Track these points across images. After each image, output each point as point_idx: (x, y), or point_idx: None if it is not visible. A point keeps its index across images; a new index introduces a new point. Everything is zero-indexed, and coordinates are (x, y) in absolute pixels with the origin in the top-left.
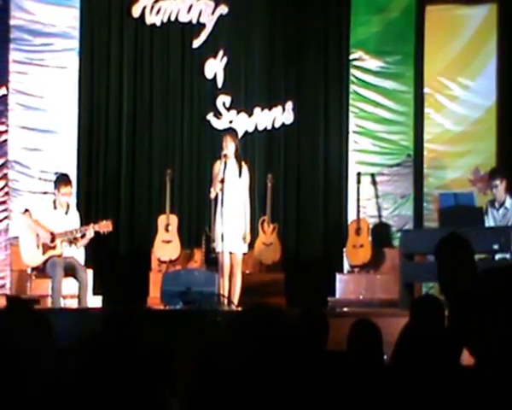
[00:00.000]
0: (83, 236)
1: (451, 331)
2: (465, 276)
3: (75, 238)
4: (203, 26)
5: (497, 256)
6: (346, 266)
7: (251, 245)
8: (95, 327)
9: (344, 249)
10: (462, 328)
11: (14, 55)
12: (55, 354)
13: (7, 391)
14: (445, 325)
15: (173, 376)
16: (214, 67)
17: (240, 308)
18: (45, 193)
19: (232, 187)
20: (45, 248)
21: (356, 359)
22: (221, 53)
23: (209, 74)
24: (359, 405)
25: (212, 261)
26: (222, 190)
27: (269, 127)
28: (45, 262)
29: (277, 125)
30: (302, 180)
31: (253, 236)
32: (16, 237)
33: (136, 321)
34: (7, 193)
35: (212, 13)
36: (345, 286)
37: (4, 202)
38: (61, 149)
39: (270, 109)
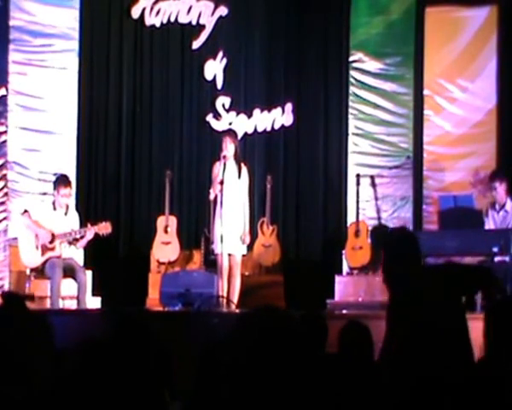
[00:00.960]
0: (82, 237)
1: (392, 323)
2: (410, 271)
3: (75, 239)
4: (203, 27)
5: (497, 259)
6: (345, 268)
7: (250, 247)
8: (96, 328)
9: (343, 251)
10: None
11: (13, 55)
12: (54, 355)
13: (5, 391)
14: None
15: (174, 377)
16: (214, 69)
17: (238, 310)
18: (44, 194)
19: (231, 189)
20: (44, 249)
21: (347, 360)
22: (221, 54)
23: (209, 76)
24: (357, 406)
25: (212, 263)
26: (221, 191)
27: (268, 129)
28: (44, 263)
29: (277, 126)
30: (301, 182)
31: (253, 237)
32: (15, 238)
33: (143, 323)
34: (6, 194)
35: (212, 14)
36: (344, 288)
37: (3, 203)
38: (60, 150)
39: (269, 111)
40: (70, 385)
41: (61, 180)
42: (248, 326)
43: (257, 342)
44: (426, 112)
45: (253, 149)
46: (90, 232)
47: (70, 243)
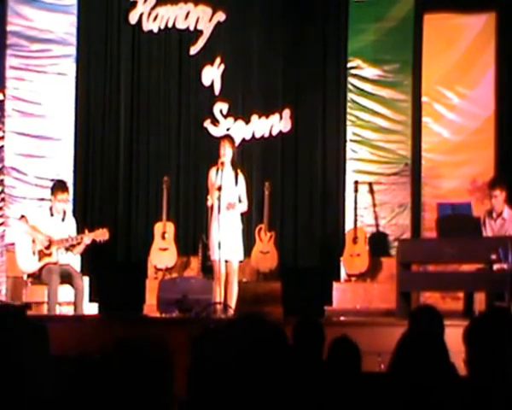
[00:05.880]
0: (79, 243)
1: None
2: None
3: (71, 245)
4: (200, 32)
5: (495, 266)
6: (342, 275)
7: (248, 253)
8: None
9: (341, 258)
10: None
11: (10, 61)
12: (50, 362)
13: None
14: (443, 335)
15: (171, 383)
16: (211, 74)
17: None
18: (42, 200)
19: (229, 194)
20: (41, 255)
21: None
22: (218, 60)
23: (206, 81)
24: None
25: (209, 269)
26: (219, 197)
27: (266, 135)
28: (41, 269)
29: (275, 132)
30: (299, 188)
31: (250, 244)
32: (12, 244)
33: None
34: (3, 199)
35: (210, 20)
36: (342, 295)
37: (0, 209)
38: (57, 155)
39: (267, 117)
40: (66, 391)
41: (59, 186)
42: (234, 335)
43: (243, 350)
44: (424, 119)
45: (250, 155)
46: (87, 238)
47: (67, 250)
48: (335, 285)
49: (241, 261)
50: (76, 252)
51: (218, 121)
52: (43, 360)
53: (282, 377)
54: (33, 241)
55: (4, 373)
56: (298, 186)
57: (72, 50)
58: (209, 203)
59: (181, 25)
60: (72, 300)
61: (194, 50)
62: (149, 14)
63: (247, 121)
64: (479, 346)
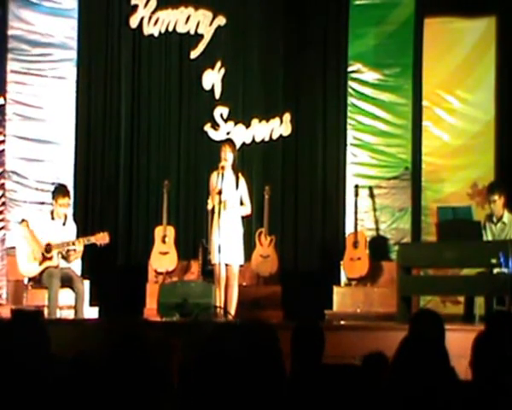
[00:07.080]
0: (74, 250)
1: None
2: None
3: (68, 252)
4: (201, 36)
5: (496, 271)
6: (343, 279)
7: (248, 257)
8: (94, 338)
9: (341, 262)
10: None
11: (11, 65)
12: (53, 363)
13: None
14: (443, 340)
15: (170, 383)
16: (212, 78)
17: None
18: (42, 203)
19: (229, 198)
20: (42, 258)
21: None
22: (219, 64)
23: (207, 85)
24: None
25: (209, 273)
26: (219, 201)
27: (266, 139)
28: (42, 273)
29: (275, 136)
30: (299, 192)
31: (250, 248)
32: (13, 248)
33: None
34: (4, 203)
35: (210, 24)
36: (342, 299)
37: (1, 213)
38: (58, 159)
39: (267, 121)
40: (66, 390)
41: (60, 190)
42: (234, 339)
43: (242, 355)
44: (424, 123)
45: (251, 159)
46: (78, 245)
47: (63, 257)
48: (336, 289)
49: (241, 265)
50: (71, 260)
51: (218, 125)
52: (49, 360)
53: (276, 381)
54: (33, 245)
55: (18, 374)
56: (298, 190)
57: (73, 54)
58: (209, 207)
59: (181, 29)
60: (73, 304)
61: (194, 54)
62: (150, 18)
63: (248, 125)
64: (482, 350)
